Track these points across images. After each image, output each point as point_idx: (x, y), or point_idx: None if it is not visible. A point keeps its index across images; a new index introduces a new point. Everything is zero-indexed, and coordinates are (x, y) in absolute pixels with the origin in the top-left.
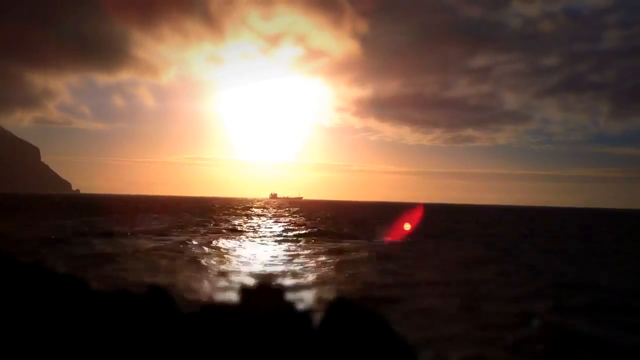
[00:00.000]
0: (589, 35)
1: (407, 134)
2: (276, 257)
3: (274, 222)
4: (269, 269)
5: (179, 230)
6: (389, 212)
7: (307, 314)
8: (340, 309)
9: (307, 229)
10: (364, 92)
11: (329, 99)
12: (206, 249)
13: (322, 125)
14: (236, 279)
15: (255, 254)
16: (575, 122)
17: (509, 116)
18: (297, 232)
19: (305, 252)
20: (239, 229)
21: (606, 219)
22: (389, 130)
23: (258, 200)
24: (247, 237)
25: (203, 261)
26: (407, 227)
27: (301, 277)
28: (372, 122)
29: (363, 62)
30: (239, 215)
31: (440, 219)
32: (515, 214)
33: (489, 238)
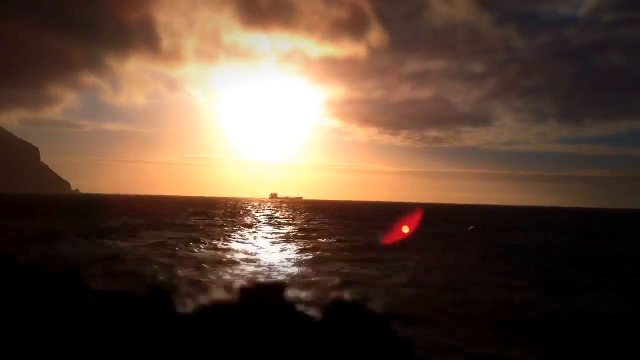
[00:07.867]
0: (499, 46)
1: (376, 135)
2: None
3: None
4: None
5: None
6: (392, 215)
7: (307, 313)
8: (340, 309)
9: None
10: (319, 95)
11: (293, 101)
12: None
13: (302, 127)
14: None
15: None
16: (530, 122)
17: (466, 118)
18: None
19: None
20: None
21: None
22: (358, 132)
23: (258, 201)
24: None
25: None
26: (406, 230)
27: None
28: (339, 124)
29: (312, 67)
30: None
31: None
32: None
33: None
